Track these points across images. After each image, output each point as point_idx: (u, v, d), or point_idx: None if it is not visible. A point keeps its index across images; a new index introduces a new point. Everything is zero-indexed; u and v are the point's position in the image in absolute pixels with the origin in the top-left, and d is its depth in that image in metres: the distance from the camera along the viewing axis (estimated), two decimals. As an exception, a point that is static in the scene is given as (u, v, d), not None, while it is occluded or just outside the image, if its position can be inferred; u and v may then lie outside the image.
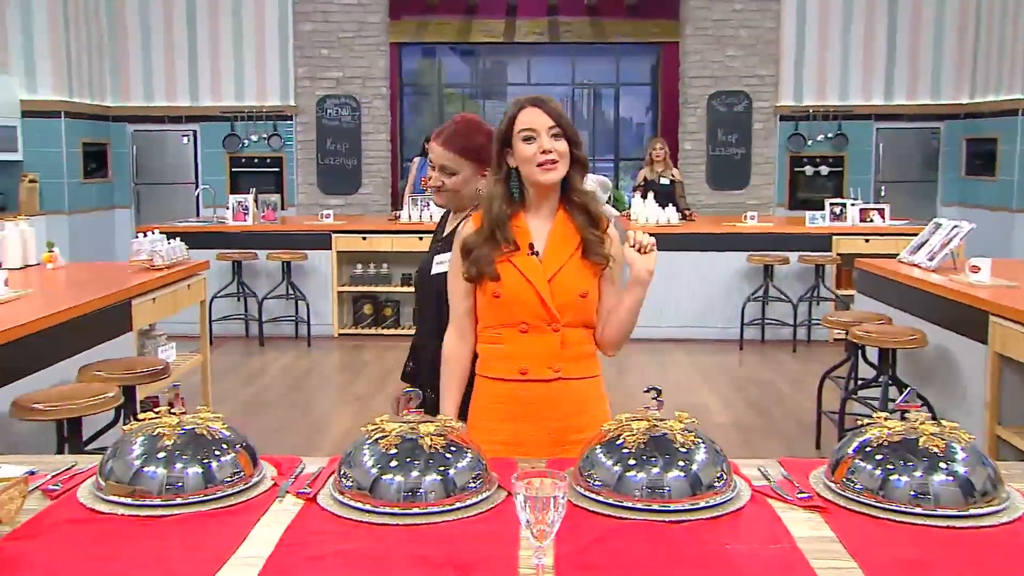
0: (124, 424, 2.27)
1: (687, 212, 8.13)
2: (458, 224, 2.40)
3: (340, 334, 7.81)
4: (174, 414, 1.74)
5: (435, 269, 2.44)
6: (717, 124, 10.13)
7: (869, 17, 10.01)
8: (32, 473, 1.68)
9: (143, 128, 10.21)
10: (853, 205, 7.75)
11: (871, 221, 7.65)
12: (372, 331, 7.82)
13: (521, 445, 2.06)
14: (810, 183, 10.20)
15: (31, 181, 8.82)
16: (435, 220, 7.78)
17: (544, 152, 2.06)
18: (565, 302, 2.10)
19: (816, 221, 7.67)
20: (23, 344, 3.19)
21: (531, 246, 2.11)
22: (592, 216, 2.14)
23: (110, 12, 9.94)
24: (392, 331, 7.85)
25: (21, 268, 4.59)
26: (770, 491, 1.72)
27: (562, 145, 2.08)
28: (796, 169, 10.23)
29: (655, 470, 1.64)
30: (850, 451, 1.71)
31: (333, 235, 7.68)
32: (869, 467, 1.65)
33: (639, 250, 2.07)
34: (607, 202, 10.60)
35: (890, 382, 4.41)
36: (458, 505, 1.62)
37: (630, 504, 1.61)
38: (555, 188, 2.13)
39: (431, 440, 1.67)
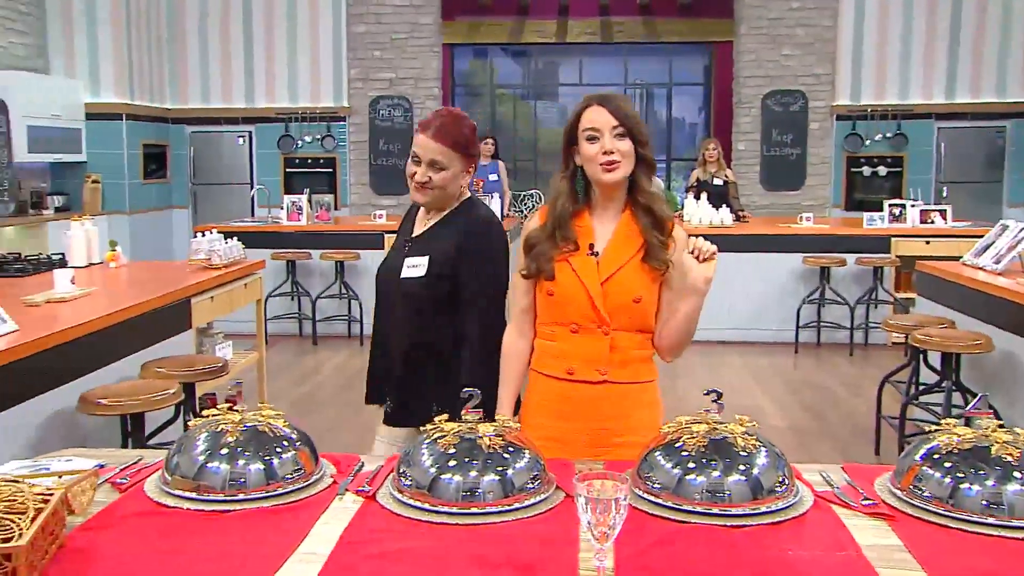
0: (187, 420, 2.30)
1: (741, 213, 8.03)
2: (432, 226, 2.37)
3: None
4: (236, 411, 1.77)
5: (406, 272, 2.34)
6: (772, 124, 9.99)
7: (931, 13, 9.78)
8: (101, 466, 1.72)
9: (200, 129, 10.41)
10: (913, 206, 7.58)
11: (932, 223, 7.47)
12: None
13: (566, 444, 2.05)
14: (867, 184, 9.99)
15: (94, 182, 9.05)
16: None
17: (606, 152, 2.04)
18: (617, 305, 2.07)
19: (874, 222, 7.51)
20: (89, 341, 3.27)
21: (591, 246, 2.09)
22: (657, 218, 2.10)
23: (170, 18, 10.16)
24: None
25: (86, 267, 4.71)
26: (833, 497, 1.68)
27: (625, 145, 2.05)
28: (853, 170, 10.04)
29: (715, 473, 1.62)
30: (917, 458, 1.67)
31: (385, 235, 7.74)
32: (938, 475, 1.61)
33: (698, 257, 2.01)
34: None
35: (954, 388, 4.30)
36: (516, 506, 1.62)
37: (690, 507, 1.60)
38: (620, 188, 2.10)
39: (489, 440, 1.68)
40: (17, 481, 1.40)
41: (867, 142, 9.95)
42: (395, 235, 2.57)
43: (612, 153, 2.04)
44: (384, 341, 2.43)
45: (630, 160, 2.07)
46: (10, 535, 1.26)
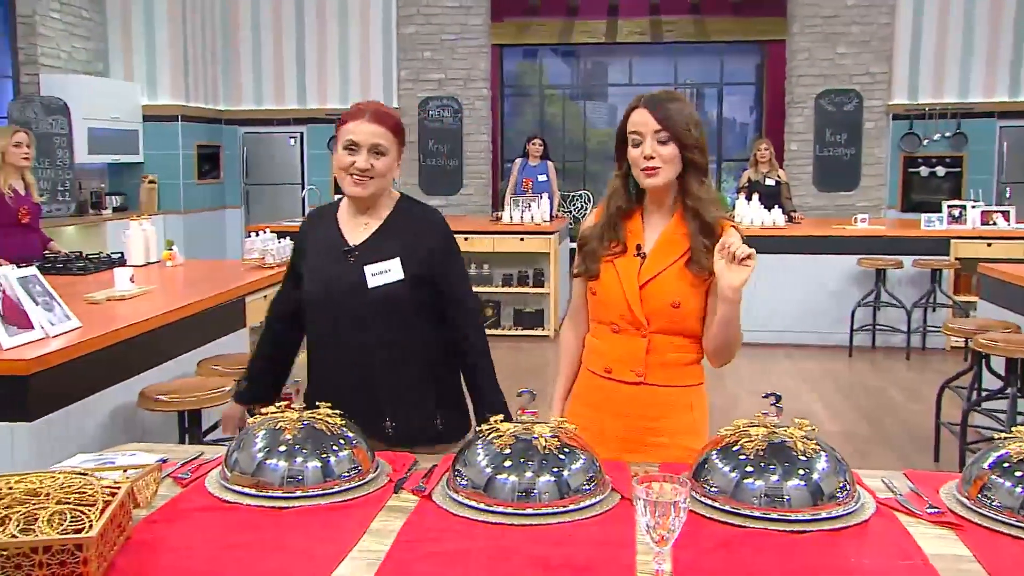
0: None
1: (793, 214, 7.91)
2: (378, 229, 2.18)
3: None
4: (294, 409, 1.79)
5: (375, 281, 2.14)
6: (825, 124, 9.81)
7: (994, 7, 9.50)
8: (164, 461, 1.75)
9: (253, 130, 10.56)
10: (974, 207, 7.38)
11: (994, 224, 7.27)
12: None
13: (601, 436, 2.02)
14: (925, 184, 9.76)
15: (150, 182, 9.24)
16: (537, 221, 7.90)
17: (647, 157, 2.00)
18: (656, 308, 2.04)
19: (932, 224, 7.33)
20: (149, 338, 3.34)
21: (638, 247, 2.07)
22: (704, 223, 2.03)
23: (224, 22, 10.33)
24: (492, 331, 7.88)
25: (144, 265, 4.81)
26: (897, 504, 1.65)
27: (668, 150, 2.00)
28: (910, 170, 9.80)
29: (774, 478, 1.60)
30: (986, 466, 1.62)
31: (435, 235, 7.76)
32: (1008, 484, 1.57)
33: (730, 258, 1.88)
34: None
35: (1019, 394, 4.18)
36: (572, 507, 1.61)
37: (748, 512, 1.58)
38: (667, 191, 2.07)
39: (545, 441, 1.67)
40: (85, 474, 1.43)
41: (925, 142, 9.72)
42: (297, 251, 2.32)
43: (652, 158, 2.00)
44: (356, 362, 2.16)
45: (672, 165, 2.02)
46: (81, 526, 1.29)
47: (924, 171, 9.76)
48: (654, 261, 2.05)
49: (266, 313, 2.45)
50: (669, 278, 2.04)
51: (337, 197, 2.32)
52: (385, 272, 2.14)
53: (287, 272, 2.39)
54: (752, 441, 1.66)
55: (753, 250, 1.88)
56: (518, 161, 8.69)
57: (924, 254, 7.09)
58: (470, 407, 2.30)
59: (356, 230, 2.21)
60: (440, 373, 2.25)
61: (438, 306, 2.22)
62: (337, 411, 1.81)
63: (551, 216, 8.15)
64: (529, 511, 1.58)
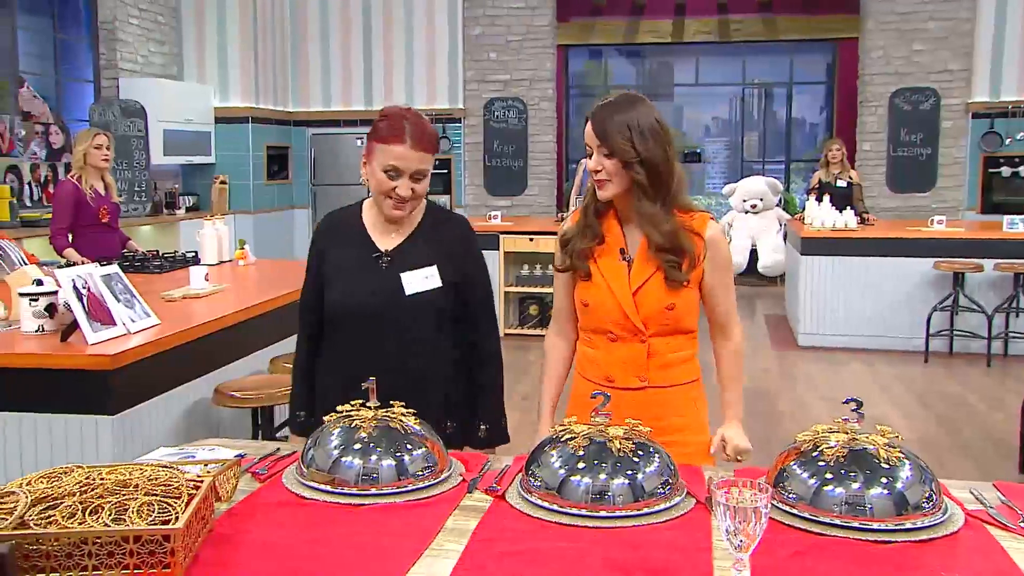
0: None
1: (865, 215, 7.72)
2: (412, 234, 2.16)
3: (506, 334, 7.91)
4: (369, 407, 1.80)
5: (413, 287, 2.12)
6: (900, 123, 9.55)
7: (1080, 1, 9.15)
8: (242, 456, 1.78)
9: (320, 131, 10.74)
10: (1059, 209, 7.11)
11: (1080, 226, 6.99)
12: (538, 332, 7.88)
13: None
14: (1007, 185, 9.42)
15: (222, 183, 9.47)
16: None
17: (594, 171, 2.01)
18: (651, 313, 2.04)
19: (1016, 226, 7.07)
20: (223, 335, 3.42)
21: (622, 251, 2.06)
22: (664, 241, 2.00)
23: (293, 25, 10.53)
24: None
25: (217, 264, 4.92)
26: (987, 516, 1.59)
27: (611, 164, 1.97)
28: (990, 170, 9.48)
29: (855, 486, 1.56)
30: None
31: (501, 236, 7.80)
32: (1108, 496, 1.49)
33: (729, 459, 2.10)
34: (777, 204, 10.24)
35: (1106, 403, 4.01)
36: (646, 511, 1.59)
37: (828, 520, 1.54)
38: (628, 198, 2.02)
39: (619, 443, 1.66)
40: (170, 467, 1.47)
41: (1007, 141, 9.38)
42: (313, 255, 2.26)
43: (599, 171, 2.00)
44: (389, 368, 2.04)
45: (619, 177, 1.99)
46: (168, 517, 1.32)
47: (1006, 171, 9.43)
48: (641, 267, 2.04)
49: (300, 332, 2.30)
50: (659, 282, 2.03)
51: (355, 201, 2.28)
52: (423, 279, 2.13)
53: (309, 280, 2.26)
54: (832, 448, 1.62)
55: (749, 447, 2.11)
56: (583, 162, 8.63)
57: (1007, 257, 6.83)
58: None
59: (386, 235, 2.18)
60: (470, 376, 2.26)
61: (462, 311, 2.22)
62: (411, 410, 1.81)
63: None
64: (603, 514, 1.57)
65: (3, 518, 1.30)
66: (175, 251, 5.40)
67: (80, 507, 1.33)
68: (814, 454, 1.63)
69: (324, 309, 2.19)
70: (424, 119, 2.11)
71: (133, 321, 2.99)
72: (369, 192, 2.20)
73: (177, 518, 1.31)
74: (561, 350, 2.24)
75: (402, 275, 2.12)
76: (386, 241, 2.17)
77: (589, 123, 2.01)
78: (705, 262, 2.06)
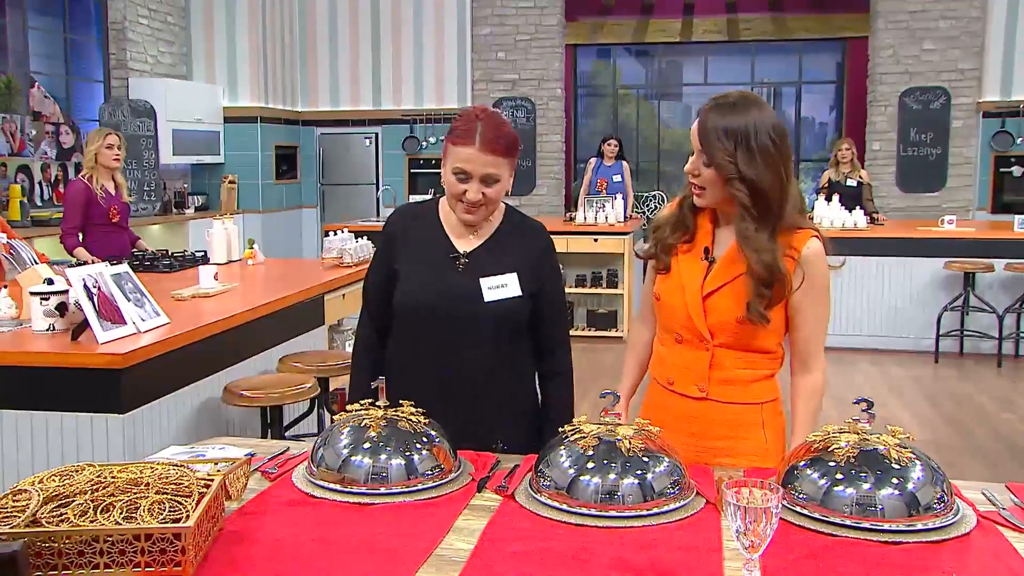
0: (326, 412, 2.34)
1: (875, 215, 7.69)
2: (491, 238, 2.09)
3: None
4: (378, 407, 1.80)
5: (492, 295, 2.04)
6: (909, 122, 9.51)
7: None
8: (252, 455, 1.79)
9: (329, 131, 10.76)
10: (1071, 208, 7.07)
11: (1092, 226, 6.95)
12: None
13: None
14: (1018, 185, 9.37)
15: (231, 182, 9.49)
16: (612, 222, 7.85)
17: (692, 174, 1.88)
18: (720, 322, 1.89)
19: (1027, 226, 7.05)
20: (233, 334, 3.42)
21: (706, 250, 1.93)
22: (756, 270, 1.83)
23: (302, 25, 10.55)
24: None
25: (226, 263, 4.93)
26: (999, 518, 1.58)
27: (708, 173, 1.84)
28: (1001, 170, 9.43)
29: (866, 486, 1.55)
30: (1096, 479, 1.54)
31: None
32: (1122, 498, 1.48)
33: None
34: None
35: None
36: (656, 510, 1.59)
37: (838, 520, 1.53)
38: (732, 204, 1.87)
39: (629, 443, 1.65)
40: (181, 466, 1.47)
41: (1018, 140, 9.33)
42: (384, 243, 2.16)
43: (696, 176, 1.87)
44: (462, 375, 2.05)
45: (715, 189, 1.85)
46: (179, 516, 1.33)
47: (1017, 171, 9.38)
48: (722, 271, 1.90)
49: (363, 322, 2.24)
50: (736, 291, 1.87)
51: (428, 197, 2.23)
52: (502, 287, 2.05)
53: (378, 272, 2.17)
54: (843, 448, 1.62)
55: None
56: (592, 161, 8.66)
57: (1018, 257, 6.80)
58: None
59: (464, 237, 2.09)
60: (528, 390, 2.19)
61: (535, 323, 2.14)
62: (420, 410, 1.81)
63: (625, 217, 8.09)
64: (612, 513, 1.57)
65: (15, 516, 1.30)
66: (184, 250, 5.42)
67: (92, 505, 1.34)
68: (824, 455, 1.62)
69: (394, 302, 2.11)
70: (501, 120, 2.00)
71: (143, 320, 3.00)
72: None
73: (188, 517, 1.32)
74: (642, 336, 2.13)
75: (481, 280, 2.04)
76: (463, 243, 2.09)
77: (696, 122, 1.87)
78: (796, 274, 1.87)
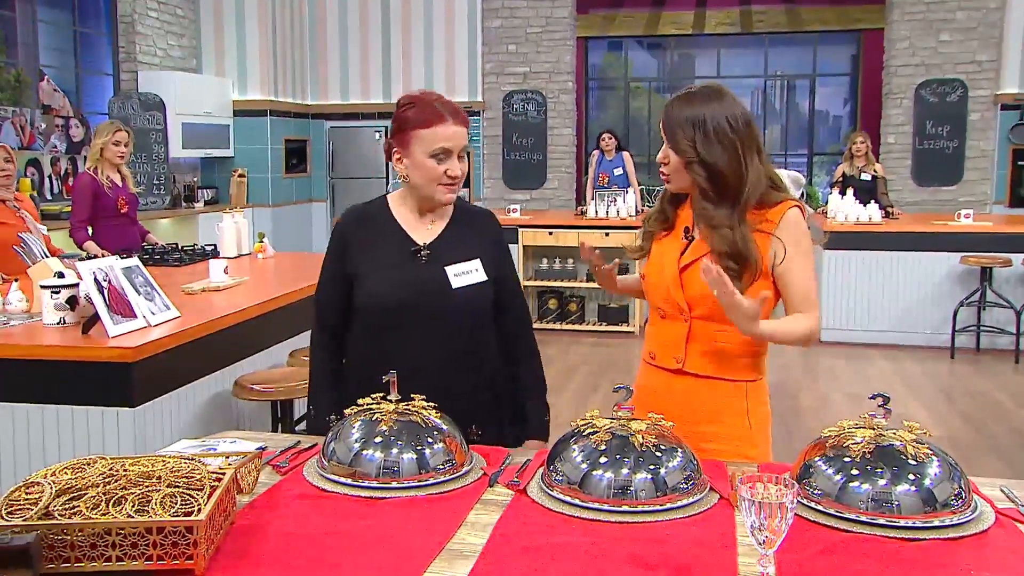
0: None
1: (890, 209, 7.64)
2: (448, 226, 2.11)
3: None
4: (390, 401, 1.79)
5: (459, 282, 2.06)
6: (926, 115, 9.43)
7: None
8: (263, 449, 1.78)
9: (339, 124, 10.75)
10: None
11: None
12: (557, 326, 7.86)
13: None
14: (1036, 179, 9.29)
15: (240, 176, 9.50)
16: (623, 216, 7.82)
17: (663, 163, 2.00)
18: (697, 294, 1.94)
19: (1043, 220, 6.98)
20: (244, 328, 3.42)
21: (686, 229, 2.02)
22: (724, 246, 1.91)
23: (311, 18, 10.54)
24: (577, 327, 7.86)
25: (236, 257, 4.93)
26: (1018, 515, 1.56)
27: (674, 159, 1.96)
28: (1019, 163, 9.33)
29: (882, 482, 1.53)
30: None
31: (520, 229, 7.77)
32: None
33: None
34: (800, 198, 10.15)
35: None
36: (669, 506, 1.57)
37: (854, 516, 1.51)
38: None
39: (642, 438, 1.64)
40: (192, 459, 1.47)
41: (1038, 133, 9.24)
42: (336, 249, 2.14)
43: (665, 163, 2.00)
44: (431, 368, 2.03)
45: (680, 174, 1.97)
46: (191, 509, 1.32)
47: (1035, 164, 9.29)
48: (698, 246, 1.97)
49: (317, 334, 2.21)
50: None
51: (377, 196, 2.22)
52: (468, 273, 2.07)
53: (332, 280, 2.15)
54: (859, 444, 1.60)
55: (729, 285, 1.76)
56: (595, 154, 8.64)
57: (1036, 252, 6.75)
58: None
59: (421, 229, 2.10)
60: (497, 376, 2.19)
61: (498, 305, 2.17)
62: (432, 404, 1.80)
63: (636, 211, 8.06)
64: (625, 508, 1.56)
65: (28, 508, 1.30)
66: (194, 244, 5.43)
67: (104, 498, 1.34)
68: (840, 450, 1.60)
69: (354, 305, 2.10)
70: (448, 98, 2.07)
71: (153, 314, 3.00)
72: (389, 189, 2.17)
73: (200, 510, 1.31)
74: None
75: (447, 268, 2.06)
76: (421, 235, 2.09)
77: (662, 113, 2.00)
78: (773, 243, 1.93)
